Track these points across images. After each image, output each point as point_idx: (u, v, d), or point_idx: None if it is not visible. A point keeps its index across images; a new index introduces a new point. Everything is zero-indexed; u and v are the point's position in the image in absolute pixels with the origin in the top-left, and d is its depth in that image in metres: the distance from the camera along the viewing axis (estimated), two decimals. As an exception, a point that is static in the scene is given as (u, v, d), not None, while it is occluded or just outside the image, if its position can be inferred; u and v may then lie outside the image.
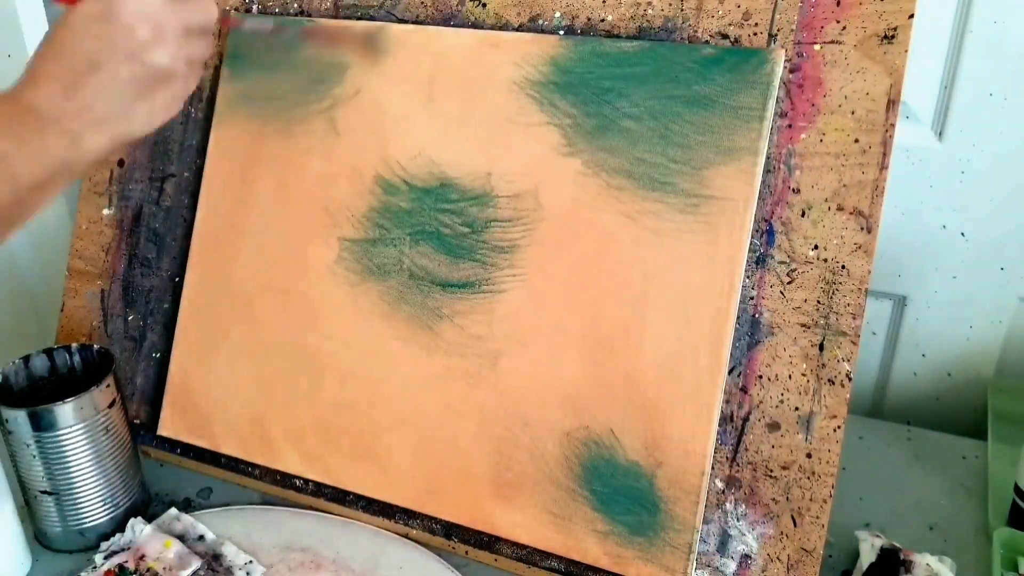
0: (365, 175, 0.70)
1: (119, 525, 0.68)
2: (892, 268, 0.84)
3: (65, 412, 0.63)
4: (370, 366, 0.69)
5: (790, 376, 0.59)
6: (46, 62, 0.50)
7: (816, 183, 0.59)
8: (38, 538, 0.69)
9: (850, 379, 0.57)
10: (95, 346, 0.71)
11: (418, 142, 0.68)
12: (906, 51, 0.57)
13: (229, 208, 0.75)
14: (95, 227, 0.83)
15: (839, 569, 0.65)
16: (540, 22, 0.67)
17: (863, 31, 0.58)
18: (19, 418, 0.63)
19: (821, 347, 0.58)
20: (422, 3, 0.71)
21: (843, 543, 0.67)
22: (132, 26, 0.50)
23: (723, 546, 0.60)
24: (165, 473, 0.77)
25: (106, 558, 0.65)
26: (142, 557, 0.65)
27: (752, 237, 0.59)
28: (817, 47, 0.59)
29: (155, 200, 0.80)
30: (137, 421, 0.79)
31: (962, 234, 0.81)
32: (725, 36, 0.61)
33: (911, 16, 0.57)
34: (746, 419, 0.60)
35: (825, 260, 0.58)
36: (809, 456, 0.58)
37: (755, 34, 0.60)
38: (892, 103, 0.57)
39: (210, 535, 0.67)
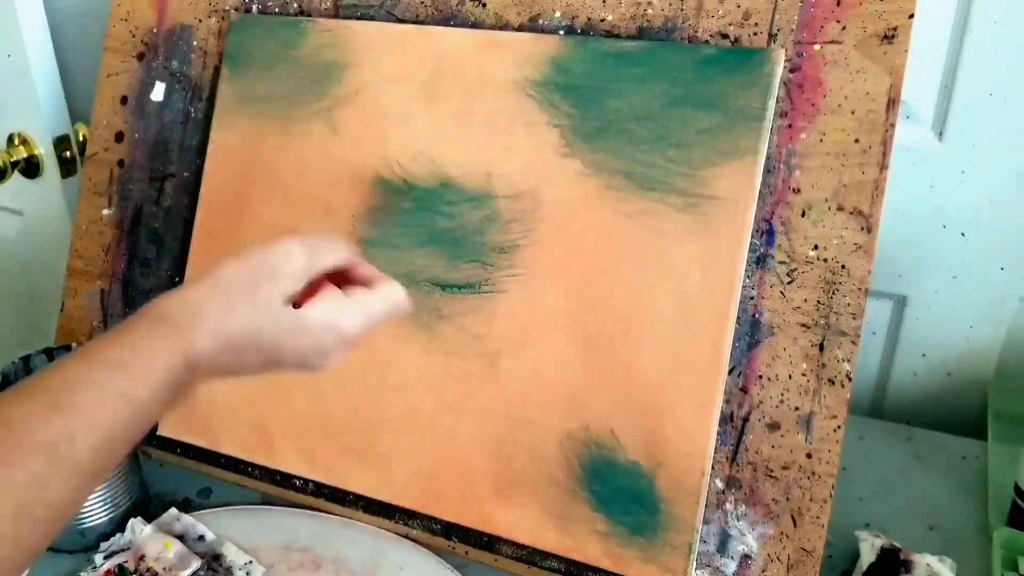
0: (365, 175, 0.70)
1: (119, 525, 0.68)
2: (892, 268, 0.84)
3: (65, 412, 0.63)
4: (370, 366, 0.69)
5: (790, 376, 0.59)
6: (227, 318, 0.46)
7: (816, 183, 0.59)
8: (38, 538, 0.69)
9: (850, 379, 0.57)
10: (95, 346, 0.71)
11: (418, 142, 0.68)
12: (906, 51, 0.57)
13: (229, 208, 0.75)
14: (95, 227, 0.83)
15: (839, 569, 0.65)
16: (540, 22, 0.67)
17: (863, 31, 0.58)
18: (19, 418, 0.63)
19: (821, 347, 0.58)
20: (422, 3, 0.71)
21: (843, 543, 0.67)
22: (328, 354, 0.49)
23: (723, 546, 0.60)
24: (165, 473, 0.77)
25: (106, 558, 0.65)
26: (142, 557, 0.65)
27: (752, 237, 0.59)
28: (817, 47, 0.59)
29: (155, 200, 0.80)
30: (137, 421, 0.79)
31: (962, 234, 0.81)
32: (725, 36, 0.61)
33: (911, 16, 0.57)
34: (746, 419, 0.60)
35: (825, 260, 0.58)
36: (809, 456, 0.58)
37: (755, 34, 0.60)
38: (892, 103, 0.57)
39: (210, 535, 0.67)
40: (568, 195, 0.63)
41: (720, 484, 0.60)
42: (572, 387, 0.63)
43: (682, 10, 0.62)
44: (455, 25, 0.69)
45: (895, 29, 0.57)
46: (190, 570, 0.64)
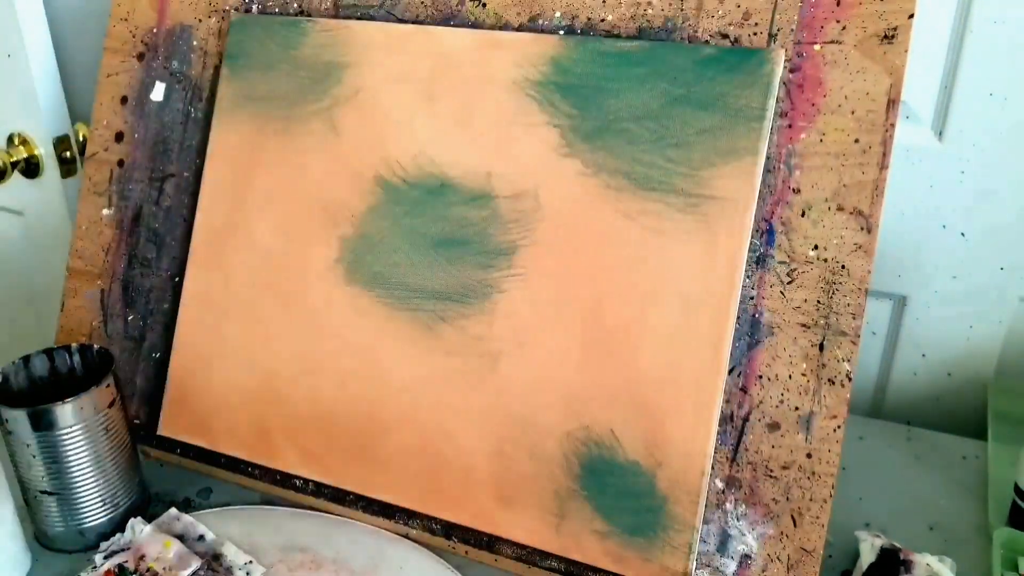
0: (365, 175, 0.70)
1: (119, 525, 0.68)
2: (892, 268, 0.84)
3: (65, 412, 0.63)
4: (370, 366, 0.69)
5: (790, 376, 0.59)
6: None
7: (816, 183, 0.59)
8: (38, 538, 0.69)
9: (850, 379, 0.57)
10: (95, 346, 0.71)
11: (418, 142, 0.69)
12: (906, 51, 0.57)
13: (229, 208, 0.75)
14: (95, 227, 0.83)
15: (839, 569, 0.65)
16: (540, 22, 0.67)
17: (863, 31, 0.58)
18: (19, 418, 0.63)
19: (821, 347, 0.58)
20: (422, 3, 0.71)
21: (843, 543, 0.67)
22: None
23: (723, 546, 0.60)
24: (165, 473, 0.77)
25: (106, 558, 0.65)
26: (142, 557, 0.65)
27: (752, 237, 0.59)
28: (817, 47, 0.59)
29: (155, 200, 0.80)
30: (137, 421, 0.79)
31: (962, 234, 0.81)
32: (725, 36, 0.61)
33: (911, 16, 0.57)
34: (746, 419, 0.60)
35: (825, 260, 0.58)
36: (809, 456, 0.58)
37: (755, 34, 0.60)
38: (892, 103, 0.57)
39: (210, 535, 0.67)
40: (568, 195, 0.63)
41: (720, 484, 0.60)
42: (572, 387, 0.63)
43: (682, 10, 0.62)
44: (455, 25, 0.69)
45: (895, 29, 0.57)
46: (190, 570, 0.64)
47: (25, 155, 0.99)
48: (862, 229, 0.57)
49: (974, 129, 0.78)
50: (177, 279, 0.78)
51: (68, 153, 1.00)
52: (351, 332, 0.70)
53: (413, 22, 0.71)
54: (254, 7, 0.77)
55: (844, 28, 0.58)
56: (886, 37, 0.57)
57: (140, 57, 0.82)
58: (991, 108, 0.77)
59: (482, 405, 0.65)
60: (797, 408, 0.58)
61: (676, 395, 0.60)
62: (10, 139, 1.00)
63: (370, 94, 0.70)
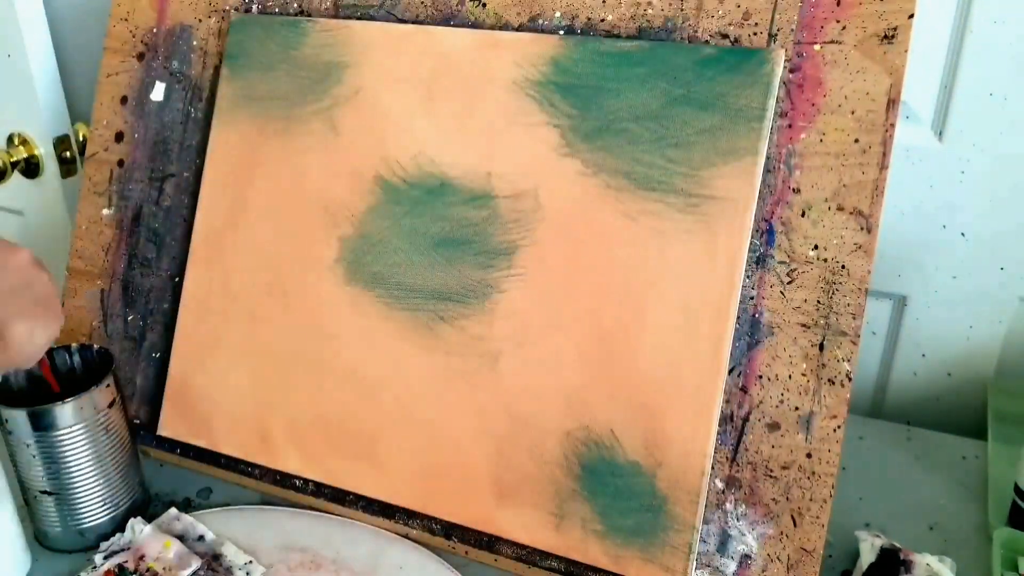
0: (365, 175, 0.70)
1: (119, 525, 0.68)
2: (892, 268, 0.84)
3: (65, 412, 0.63)
4: (370, 366, 0.69)
5: (790, 376, 0.59)
6: None
7: (816, 183, 0.59)
8: (38, 538, 0.69)
9: (850, 379, 0.57)
10: (95, 346, 0.71)
11: (418, 142, 0.68)
12: (906, 51, 0.57)
13: (229, 208, 0.75)
14: (95, 227, 0.83)
15: (839, 569, 0.65)
16: (540, 22, 0.67)
17: (863, 31, 0.58)
18: (19, 418, 0.63)
19: (821, 347, 0.58)
20: (422, 3, 0.71)
21: (843, 543, 0.67)
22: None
23: (723, 546, 0.60)
24: (165, 473, 0.77)
25: (106, 558, 0.65)
26: (142, 557, 0.65)
27: (752, 237, 0.59)
28: (817, 47, 0.59)
29: (155, 200, 0.80)
30: (137, 421, 0.79)
31: (962, 234, 0.81)
32: (725, 36, 0.61)
33: (911, 16, 0.57)
34: (746, 419, 0.60)
35: (825, 260, 0.58)
36: (809, 456, 0.58)
37: (755, 34, 0.60)
38: (892, 103, 0.57)
39: (210, 535, 0.67)
40: (568, 195, 0.63)
41: (720, 484, 0.60)
42: (572, 387, 0.63)
43: (682, 10, 0.62)
44: (455, 25, 0.69)
45: (895, 29, 0.57)
46: (190, 570, 0.64)
47: (25, 155, 0.99)
48: (862, 229, 0.57)
49: (974, 129, 0.78)
50: (177, 279, 0.78)
51: (68, 153, 1.00)
52: (351, 332, 0.70)
53: (413, 22, 0.71)
54: (254, 7, 0.77)
55: (844, 28, 0.58)
56: (886, 37, 0.57)
57: (140, 57, 0.82)
58: (991, 108, 0.76)
59: (482, 405, 0.65)
60: (797, 408, 0.58)
61: (676, 395, 0.60)
62: (10, 139, 1.00)
63: (370, 94, 0.70)
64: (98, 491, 0.67)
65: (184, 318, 0.76)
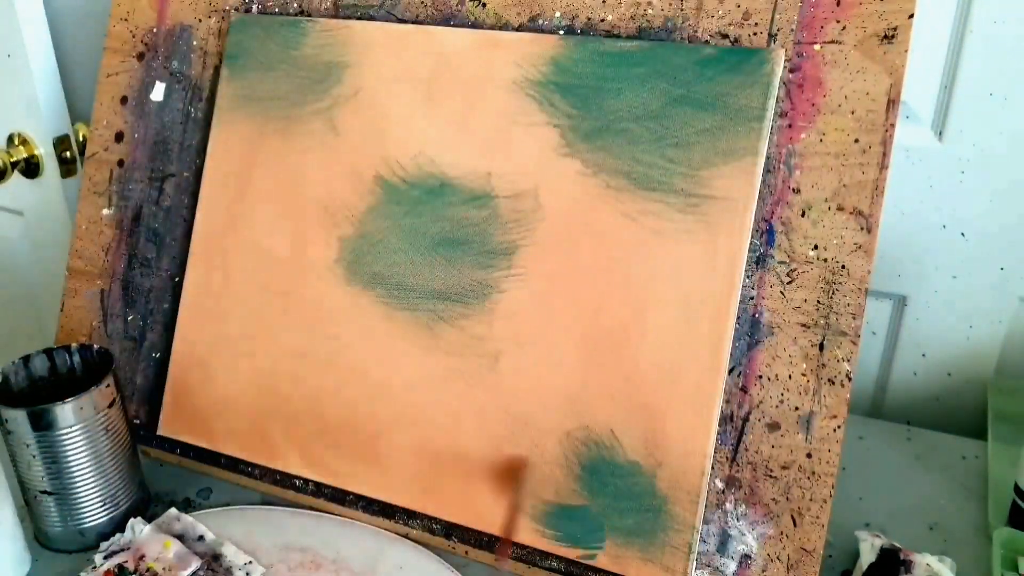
0: (365, 175, 0.70)
1: (119, 525, 0.68)
2: (892, 268, 0.84)
3: (65, 412, 0.63)
4: (370, 366, 0.69)
5: (790, 376, 0.59)
6: None
7: (816, 183, 0.59)
8: (38, 538, 0.69)
9: (850, 379, 0.57)
10: (95, 346, 0.71)
11: (418, 142, 0.69)
12: (906, 51, 0.57)
13: (229, 208, 0.75)
14: (95, 227, 0.83)
15: (839, 569, 0.65)
16: (540, 22, 0.67)
17: (863, 31, 0.58)
18: (19, 418, 0.63)
19: (821, 347, 0.58)
20: (422, 3, 0.71)
21: (843, 543, 0.67)
22: None
23: (723, 546, 0.60)
24: (165, 473, 0.77)
25: (106, 558, 0.65)
26: (142, 557, 0.65)
27: (752, 237, 0.59)
28: (817, 47, 0.59)
29: (155, 200, 0.80)
30: (137, 421, 0.79)
31: (962, 234, 0.81)
32: (725, 36, 0.61)
33: (911, 16, 0.57)
34: (746, 419, 0.60)
35: (825, 260, 0.58)
36: (809, 456, 0.58)
37: (755, 34, 0.60)
38: (892, 103, 0.57)
39: (210, 535, 0.67)
40: (568, 195, 0.63)
41: (720, 484, 0.60)
42: (572, 387, 0.63)
43: (682, 10, 0.63)
44: (455, 25, 0.69)
45: (895, 29, 0.57)
46: (190, 570, 0.64)
47: (25, 155, 0.99)
48: (862, 229, 0.57)
49: (974, 129, 0.78)
50: (177, 279, 0.78)
51: (68, 153, 1.00)
52: (351, 332, 0.70)
53: (413, 22, 0.71)
54: (254, 7, 0.77)
55: (844, 28, 0.58)
56: (886, 37, 0.57)
57: (140, 57, 0.82)
58: (991, 108, 0.77)
59: (482, 405, 0.65)
60: (797, 408, 0.58)
61: (676, 395, 0.60)
62: (10, 139, 1.00)
63: (370, 94, 0.70)
64: (98, 491, 0.67)
65: (184, 318, 0.77)
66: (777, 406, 0.59)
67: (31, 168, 1.00)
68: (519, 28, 0.67)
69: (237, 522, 0.70)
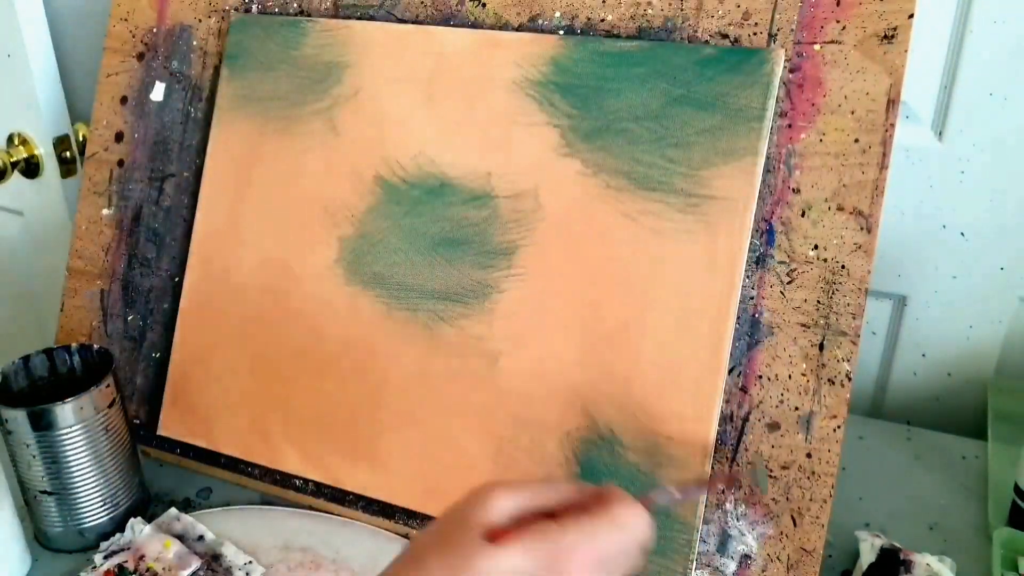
0: (365, 175, 0.70)
1: (119, 525, 0.68)
2: (892, 268, 0.84)
3: (65, 412, 0.63)
4: (370, 366, 0.69)
5: (790, 376, 0.59)
6: None
7: (816, 183, 0.59)
8: (38, 538, 0.69)
9: (850, 379, 0.57)
10: (95, 346, 0.71)
11: (418, 142, 0.68)
12: (906, 51, 0.57)
13: (229, 208, 0.75)
14: (95, 227, 0.83)
15: (839, 569, 0.65)
16: (540, 22, 0.67)
17: (863, 31, 0.58)
18: (19, 418, 0.63)
19: (821, 347, 0.58)
20: (422, 3, 0.71)
21: (843, 543, 0.67)
22: None
23: (723, 546, 0.60)
24: (165, 473, 0.77)
25: (106, 558, 0.65)
26: (142, 557, 0.65)
27: (752, 237, 0.59)
28: (817, 47, 0.59)
29: (155, 200, 0.80)
30: (137, 421, 0.79)
31: (962, 234, 0.81)
32: (725, 36, 0.61)
33: (911, 16, 0.57)
34: (746, 419, 0.60)
35: (825, 260, 0.58)
36: (809, 456, 0.58)
37: (755, 34, 0.60)
38: (892, 103, 0.57)
39: (210, 535, 0.67)
40: (568, 195, 0.63)
41: (720, 484, 0.60)
42: (572, 387, 0.63)
43: (682, 10, 0.62)
44: (455, 25, 0.69)
45: (895, 29, 0.57)
46: (190, 570, 0.64)
47: (25, 155, 0.99)
48: (862, 229, 0.57)
49: (974, 129, 0.78)
50: (177, 279, 0.78)
51: (68, 153, 1.00)
52: (351, 332, 0.70)
53: (413, 22, 0.71)
54: (254, 7, 0.77)
55: (844, 28, 0.58)
56: (886, 37, 0.57)
57: (140, 57, 0.82)
58: (991, 108, 0.76)
59: (482, 405, 0.65)
60: (797, 408, 0.58)
61: (676, 395, 0.60)
62: (10, 139, 1.00)
63: (370, 94, 0.70)
64: (98, 491, 0.67)
65: (184, 318, 0.76)
66: (777, 406, 0.59)
67: (31, 168, 1.00)
68: (519, 28, 0.67)
69: (237, 522, 0.69)
